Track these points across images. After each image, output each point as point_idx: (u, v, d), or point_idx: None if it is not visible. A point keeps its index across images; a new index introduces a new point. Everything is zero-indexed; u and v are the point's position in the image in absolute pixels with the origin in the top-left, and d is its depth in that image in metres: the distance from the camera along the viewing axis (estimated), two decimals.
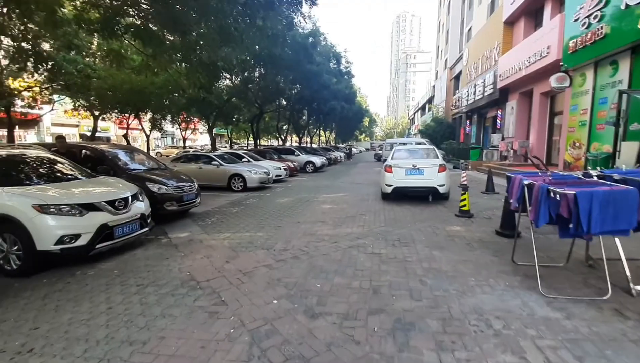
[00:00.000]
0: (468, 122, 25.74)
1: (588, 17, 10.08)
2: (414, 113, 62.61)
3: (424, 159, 8.80)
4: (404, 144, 20.40)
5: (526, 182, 3.65)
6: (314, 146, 44.54)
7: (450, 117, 31.16)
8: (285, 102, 26.72)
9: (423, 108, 51.43)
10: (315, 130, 43.98)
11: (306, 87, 21.80)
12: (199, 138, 55.80)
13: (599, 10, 9.61)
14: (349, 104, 32.98)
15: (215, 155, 13.14)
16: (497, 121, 18.96)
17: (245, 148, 31.70)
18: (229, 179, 12.01)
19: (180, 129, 34.32)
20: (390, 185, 8.39)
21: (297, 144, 34.49)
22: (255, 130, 24.27)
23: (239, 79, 20.14)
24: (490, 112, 20.18)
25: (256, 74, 19.98)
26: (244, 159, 14.56)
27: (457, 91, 30.40)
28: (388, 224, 6.49)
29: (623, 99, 8.15)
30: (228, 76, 18.93)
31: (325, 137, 54.21)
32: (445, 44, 37.42)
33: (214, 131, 50.63)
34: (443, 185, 8.11)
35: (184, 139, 35.37)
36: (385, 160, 9.96)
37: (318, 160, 19.73)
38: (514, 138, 16.63)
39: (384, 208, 8.06)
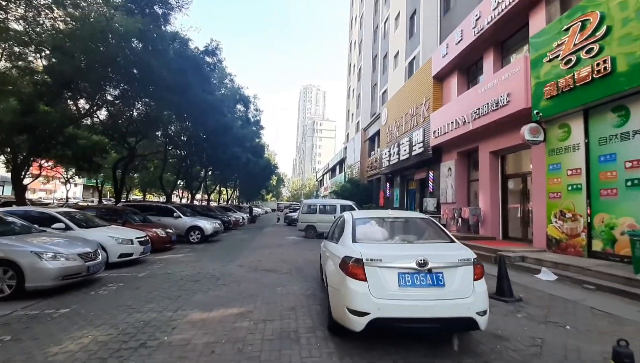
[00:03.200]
0: (388, 184, 23.49)
1: (575, 52, 7.84)
2: (323, 175, 61.64)
3: (431, 244, 4.20)
4: (324, 207, 16.17)
5: None
6: (213, 204, 37.51)
7: (366, 179, 29.07)
8: (166, 142, 20.32)
9: (333, 170, 50.30)
10: (214, 186, 37.35)
11: (199, 123, 16.30)
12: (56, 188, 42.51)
13: (594, 42, 7.37)
14: (257, 157, 28.36)
15: None
16: (429, 183, 16.48)
17: (101, 203, 23.27)
18: None
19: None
20: (365, 313, 3.30)
21: (187, 202, 27.38)
22: (121, 178, 17.04)
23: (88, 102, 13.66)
24: (419, 174, 17.90)
25: (114, 93, 13.72)
26: (54, 225, 7.85)
27: (372, 152, 28.92)
28: None
29: None
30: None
31: (227, 195, 47.49)
32: (356, 108, 37.39)
33: (82, 181, 38.44)
34: (485, 312, 3.41)
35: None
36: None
37: (208, 225, 13.70)
38: (455, 204, 13.94)
39: None
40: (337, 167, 46.13)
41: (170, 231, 11.75)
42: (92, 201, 43.10)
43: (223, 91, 22.00)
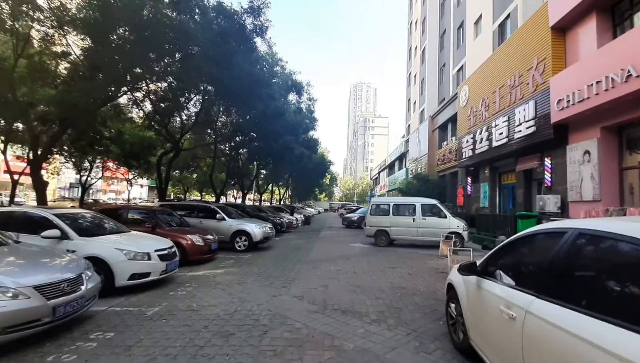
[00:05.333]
0: (469, 179, 19.16)
1: None
2: (379, 172, 57.55)
3: None
4: (398, 206, 12.69)
5: None
6: (266, 204, 35.85)
7: (437, 174, 24.80)
8: (215, 136, 18.32)
9: (391, 166, 46.13)
10: (265, 185, 35.64)
11: (245, 105, 13.80)
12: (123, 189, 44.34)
13: None
14: (310, 151, 25.69)
15: None
16: (546, 174, 12.12)
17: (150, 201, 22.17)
18: None
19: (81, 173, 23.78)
20: None
21: (235, 201, 25.67)
22: (165, 175, 15.31)
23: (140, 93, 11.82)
24: (523, 163, 13.53)
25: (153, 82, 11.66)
26: (46, 233, 5.60)
27: (444, 143, 24.60)
28: None
29: None
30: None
31: (280, 195, 45.87)
32: (420, 94, 33.02)
33: (148, 182, 39.13)
34: None
35: (82, 188, 24.85)
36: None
37: (257, 229, 11.05)
38: (598, 202, 9.60)
39: None
40: (396, 163, 41.93)
41: (211, 237, 9.26)
42: (153, 201, 44.37)
43: (275, 80, 19.66)
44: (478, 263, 3.08)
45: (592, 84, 9.25)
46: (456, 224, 11.55)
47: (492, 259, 3.02)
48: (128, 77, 9.72)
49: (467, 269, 3.01)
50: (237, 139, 18.33)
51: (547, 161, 12.10)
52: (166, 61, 9.38)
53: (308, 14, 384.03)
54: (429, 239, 11.84)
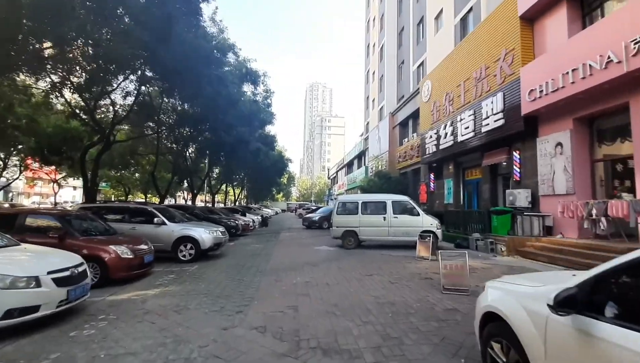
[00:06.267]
0: (432, 175, 18.84)
1: None
2: (337, 172, 57.08)
3: None
4: (367, 204, 11.60)
5: None
6: (220, 205, 33.23)
7: (398, 171, 24.44)
8: (157, 127, 15.87)
9: (349, 165, 45.74)
10: (218, 185, 33.02)
11: (188, 86, 11.74)
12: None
13: None
14: (267, 148, 23.92)
15: None
16: (515, 168, 11.79)
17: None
18: None
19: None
20: None
21: (186, 203, 23.25)
22: (93, 171, 12.68)
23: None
24: (490, 158, 13.20)
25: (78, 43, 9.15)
26: None
27: (405, 140, 24.31)
28: None
29: None
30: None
31: (234, 195, 43.19)
32: (379, 92, 32.73)
33: (81, 183, 34.40)
34: None
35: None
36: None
37: (205, 234, 9.23)
38: (572, 195, 9.28)
39: None
40: (355, 161, 41.56)
41: (144, 247, 7.32)
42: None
43: (228, 68, 17.67)
44: (564, 289, 1.86)
45: (567, 73, 8.88)
46: (430, 222, 10.73)
47: (600, 286, 1.82)
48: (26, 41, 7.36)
49: (567, 303, 1.78)
50: (183, 131, 16.05)
51: (516, 155, 11.79)
52: (77, 23, 7.19)
53: (261, 10, 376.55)
54: (402, 239, 10.90)
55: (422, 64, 22.36)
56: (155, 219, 9.19)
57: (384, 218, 11.04)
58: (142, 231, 8.95)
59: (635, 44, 7.12)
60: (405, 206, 11.19)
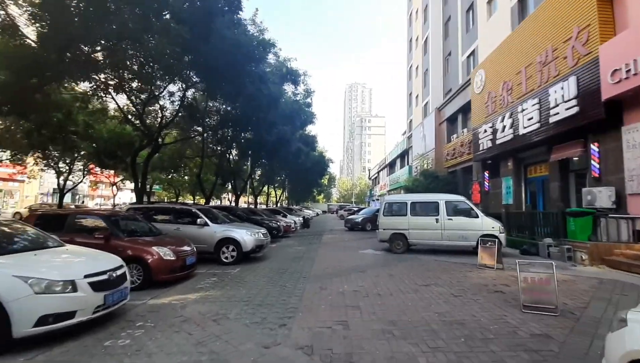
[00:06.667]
0: (486, 173, 17.19)
1: None
2: (378, 172, 55.62)
3: None
4: (416, 205, 10.61)
5: None
6: (262, 206, 33.68)
7: (446, 170, 22.85)
8: (203, 131, 16.15)
9: (391, 165, 44.23)
10: (260, 186, 33.42)
11: (237, 88, 11.62)
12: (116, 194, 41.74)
13: None
14: (308, 148, 23.61)
15: None
16: (592, 163, 10.15)
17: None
18: None
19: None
20: None
21: (230, 204, 23.63)
22: (143, 173, 13.12)
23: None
24: (559, 152, 11.56)
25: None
26: None
27: (453, 136, 22.65)
28: None
29: None
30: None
31: (276, 196, 43.67)
32: (423, 87, 31.13)
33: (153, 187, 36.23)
34: None
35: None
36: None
37: (247, 236, 8.95)
38: None
39: None
40: (398, 161, 40.01)
41: (187, 249, 7.15)
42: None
43: (267, 70, 17.59)
44: None
45: None
46: (491, 225, 9.53)
47: None
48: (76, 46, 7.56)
49: None
50: (226, 132, 16.16)
51: (594, 147, 10.14)
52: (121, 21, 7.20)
53: (300, 10, 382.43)
54: (457, 244, 9.83)
55: (472, 53, 20.67)
56: (199, 220, 9.07)
57: (437, 220, 10.02)
58: (186, 232, 8.87)
59: None
60: (460, 207, 10.08)
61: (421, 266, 8.16)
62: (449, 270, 7.63)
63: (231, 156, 22.22)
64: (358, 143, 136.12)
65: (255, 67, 11.80)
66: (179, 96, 14.35)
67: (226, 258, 8.78)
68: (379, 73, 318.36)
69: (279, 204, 46.74)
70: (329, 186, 73.19)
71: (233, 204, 28.84)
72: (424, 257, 9.54)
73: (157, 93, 12.87)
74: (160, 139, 15.08)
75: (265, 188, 40.28)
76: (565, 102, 10.60)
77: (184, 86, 13.54)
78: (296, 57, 19.44)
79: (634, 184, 8.76)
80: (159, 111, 15.63)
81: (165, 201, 44.18)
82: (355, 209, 34.12)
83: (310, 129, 26.41)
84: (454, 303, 5.09)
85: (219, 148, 18.01)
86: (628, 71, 8.28)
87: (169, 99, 15.38)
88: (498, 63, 15.32)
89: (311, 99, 21.25)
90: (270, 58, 19.14)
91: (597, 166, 10.06)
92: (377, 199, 46.84)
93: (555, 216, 9.60)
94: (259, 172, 29.23)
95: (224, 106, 15.68)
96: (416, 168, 28.03)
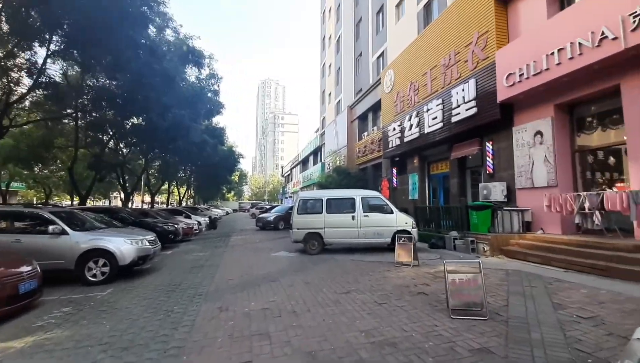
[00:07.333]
0: (394, 170, 17.90)
1: None
2: (291, 169, 55.18)
3: None
4: (331, 202, 9.99)
5: None
6: (164, 206, 29.53)
7: (357, 167, 23.34)
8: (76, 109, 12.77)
9: (304, 162, 44.14)
10: (159, 183, 29.30)
11: (117, 58, 9.18)
12: None
13: None
14: (215, 140, 21.36)
15: None
16: (487, 160, 11.01)
17: None
18: None
19: None
20: None
21: (123, 205, 20.11)
22: None
23: None
24: (459, 150, 12.37)
25: None
26: None
27: (364, 134, 23.26)
28: None
29: None
30: None
31: (179, 195, 39.27)
32: (336, 85, 31.53)
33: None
34: None
35: None
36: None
37: (124, 245, 6.84)
38: (554, 188, 8.57)
39: None
40: (311, 158, 40.04)
41: (24, 270, 4.96)
42: None
43: (165, 48, 14.93)
44: None
45: (552, 53, 8.05)
46: (404, 220, 9.46)
47: None
48: None
49: None
50: (106, 114, 13.01)
51: (489, 146, 11.00)
52: None
53: (211, 5, 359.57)
54: (373, 241, 9.51)
55: (382, 54, 21.42)
56: (51, 227, 6.66)
57: (353, 217, 9.54)
58: (31, 244, 6.44)
59: (635, 17, 6.36)
60: (376, 203, 9.80)
61: (339, 269, 7.46)
62: (367, 271, 7.09)
63: (119, 147, 18.59)
64: (271, 140, 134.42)
65: (141, 32, 9.50)
66: (35, 65, 10.94)
67: (94, 276, 6.65)
68: (293, 71, 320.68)
69: (184, 204, 42.26)
70: (240, 183, 69.89)
71: (139, 205, 24.42)
72: (340, 257, 8.92)
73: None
74: (8, 120, 11.35)
75: (167, 186, 35.77)
76: (466, 103, 11.29)
77: (45, 49, 10.31)
78: (199, 35, 16.88)
79: (522, 179, 9.66)
80: (6, 82, 11.79)
81: (35, 202, 35.74)
82: (268, 207, 32.81)
83: (219, 121, 24.06)
84: (379, 314, 4.38)
85: (99, 136, 14.55)
86: (521, 75, 8.99)
87: (24, 69, 11.71)
88: (406, 64, 15.92)
89: (218, 86, 19.13)
90: (169, 35, 16.49)
91: (492, 163, 10.94)
92: (291, 197, 46.34)
93: (460, 210, 10.07)
94: (158, 166, 25.42)
95: (102, 81, 12.61)
96: (329, 164, 28.19)
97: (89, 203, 39.19)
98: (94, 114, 12.75)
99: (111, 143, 17.81)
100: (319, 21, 40.08)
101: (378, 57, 22.04)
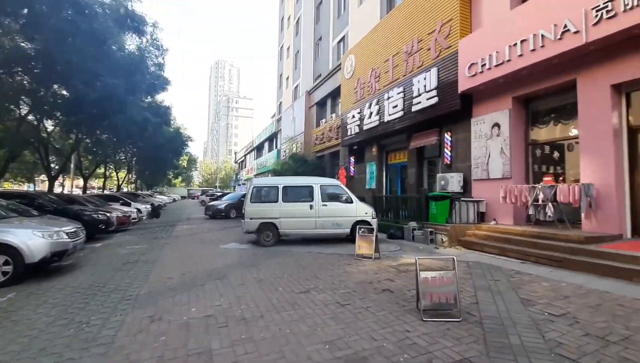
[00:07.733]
0: (352, 159, 17.62)
1: None
2: (245, 155, 53.15)
3: None
4: (288, 189, 9.27)
5: None
6: (101, 192, 26.36)
7: (314, 154, 22.77)
8: None
9: (259, 148, 42.66)
10: (92, 166, 26.13)
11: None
12: None
13: None
14: (159, 120, 19.33)
15: None
16: (445, 151, 11.01)
17: None
18: None
19: None
20: None
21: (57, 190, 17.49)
22: None
23: None
24: (418, 139, 12.28)
25: None
26: None
27: (322, 121, 22.68)
28: None
29: None
30: None
31: (118, 180, 35.71)
32: (294, 69, 30.40)
33: None
34: None
35: None
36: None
37: (34, 240, 5.47)
38: (508, 179, 8.71)
39: None
40: (266, 144, 38.71)
41: None
42: None
43: (100, 11, 12.75)
44: None
45: (515, 44, 8.01)
46: (364, 210, 9.08)
47: None
48: None
49: None
50: (15, 78, 10.68)
51: (447, 137, 10.99)
52: None
53: None
54: (331, 232, 9.02)
55: (342, 39, 20.81)
56: None
57: (311, 207, 8.94)
58: None
59: (598, 11, 6.40)
60: (335, 192, 9.28)
61: (295, 263, 6.83)
62: (327, 265, 6.55)
63: (41, 122, 15.94)
64: (224, 124, 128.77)
65: None
66: None
67: None
68: (249, 54, 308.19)
69: (125, 189, 38.59)
70: (190, 168, 65.95)
71: (66, 190, 21.26)
72: (296, 249, 8.30)
73: None
74: None
75: (104, 169, 32.18)
76: (427, 92, 11.13)
77: None
78: None
79: (478, 171, 9.74)
80: None
81: None
82: (219, 194, 31.10)
83: (164, 98, 21.85)
84: (343, 318, 3.83)
85: (10, 106, 12.04)
86: (484, 65, 8.91)
87: None
88: (368, 50, 15.48)
89: (163, 59, 17.12)
90: None
91: (450, 153, 10.95)
92: (244, 184, 44.61)
93: (419, 201, 9.94)
94: (89, 145, 22.43)
95: (19, 42, 10.37)
96: (285, 151, 27.27)
97: (7, 186, 34.05)
98: (3, 78, 10.37)
99: (31, 116, 15.17)
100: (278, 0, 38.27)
101: (339, 42, 21.41)
